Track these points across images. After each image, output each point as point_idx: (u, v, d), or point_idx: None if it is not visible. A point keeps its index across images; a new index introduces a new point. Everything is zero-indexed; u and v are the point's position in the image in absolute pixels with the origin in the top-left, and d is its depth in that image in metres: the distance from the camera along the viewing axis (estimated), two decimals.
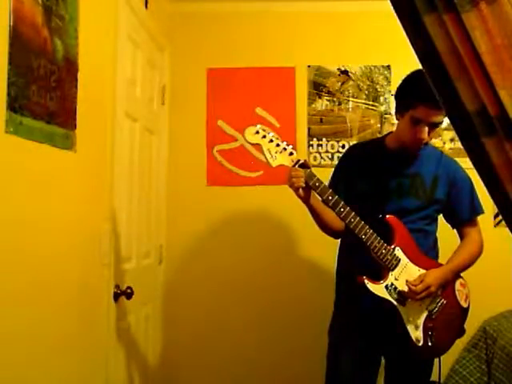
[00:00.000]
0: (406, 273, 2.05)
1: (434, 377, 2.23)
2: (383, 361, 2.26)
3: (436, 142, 3.16)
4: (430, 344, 2.04)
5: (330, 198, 1.94)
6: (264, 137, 1.94)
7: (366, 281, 2.00)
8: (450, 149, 3.16)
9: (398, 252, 2.06)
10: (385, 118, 3.22)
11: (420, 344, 2.03)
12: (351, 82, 3.24)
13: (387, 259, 2.03)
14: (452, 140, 3.17)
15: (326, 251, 2.96)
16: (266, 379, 3.14)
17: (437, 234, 2.25)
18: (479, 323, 2.72)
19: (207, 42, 3.25)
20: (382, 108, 3.24)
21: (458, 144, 3.02)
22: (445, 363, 2.69)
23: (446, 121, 2.44)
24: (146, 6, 2.70)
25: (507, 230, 1.45)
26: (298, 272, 3.14)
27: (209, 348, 3.16)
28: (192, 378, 3.16)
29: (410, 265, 2.07)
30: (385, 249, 2.03)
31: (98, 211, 2.11)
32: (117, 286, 2.25)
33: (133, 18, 2.48)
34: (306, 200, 2.00)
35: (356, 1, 3.15)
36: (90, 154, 1.98)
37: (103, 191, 2.15)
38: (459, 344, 2.72)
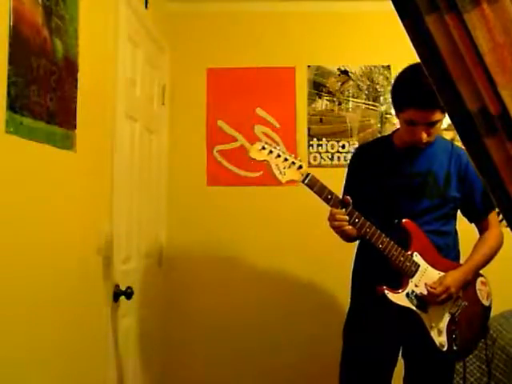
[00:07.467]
0: (426, 278, 2.00)
1: None
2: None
3: None
4: (455, 348, 2.00)
5: (344, 209, 1.91)
6: (270, 152, 1.88)
7: (386, 291, 1.95)
8: None
9: (417, 257, 2.01)
10: (385, 118, 3.22)
11: (444, 349, 1.99)
12: (351, 82, 3.24)
13: (406, 266, 1.98)
14: (452, 140, 3.16)
15: (326, 251, 2.96)
16: (267, 380, 3.14)
17: (457, 232, 2.17)
18: None
19: (207, 42, 3.25)
20: (382, 108, 3.23)
21: (459, 144, 3.01)
22: None
23: (447, 121, 2.44)
24: (146, 6, 2.70)
25: (508, 229, 1.45)
26: (297, 272, 3.14)
27: (209, 348, 3.16)
28: (192, 378, 3.16)
29: (430, 269, 2.02)
30: (403, 256, 1.98)
31: (98, 211, 2.10)
32: (117, 286, 2.25)
33: (133, 18, 2.48)
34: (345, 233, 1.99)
35: (356, 1, 3.15)
36: (89, 154, 1.98)
37: (103, 191, 2.15)
38: None
